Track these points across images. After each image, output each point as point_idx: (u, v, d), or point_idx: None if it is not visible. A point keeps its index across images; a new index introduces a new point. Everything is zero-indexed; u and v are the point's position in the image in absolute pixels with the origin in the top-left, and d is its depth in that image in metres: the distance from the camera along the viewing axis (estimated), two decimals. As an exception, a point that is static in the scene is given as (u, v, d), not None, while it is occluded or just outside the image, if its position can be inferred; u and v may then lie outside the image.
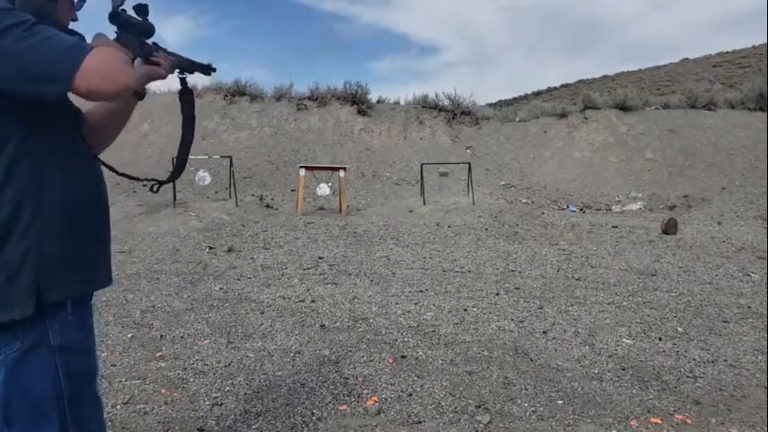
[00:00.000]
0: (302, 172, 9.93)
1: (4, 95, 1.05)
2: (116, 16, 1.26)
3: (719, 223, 9.83)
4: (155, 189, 1.49)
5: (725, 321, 3.93)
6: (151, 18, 1.34)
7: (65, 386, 1.18)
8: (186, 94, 1.45)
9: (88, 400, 1.26)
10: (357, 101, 16.57)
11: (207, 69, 1.56)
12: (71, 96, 1.15)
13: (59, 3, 1.22)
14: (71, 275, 1.19)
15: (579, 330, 3.68)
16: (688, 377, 2.93)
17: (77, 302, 1.23)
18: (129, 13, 1.30)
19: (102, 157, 1.35)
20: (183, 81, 1.50)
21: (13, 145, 1.09)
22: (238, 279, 5.06)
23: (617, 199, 12.76)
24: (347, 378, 2.83)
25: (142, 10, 1.32)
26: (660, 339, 3.52)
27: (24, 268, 1.11)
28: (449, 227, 8.54)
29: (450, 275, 5.31)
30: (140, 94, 1.35)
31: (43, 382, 1.15)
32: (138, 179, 1.53)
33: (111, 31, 1.27)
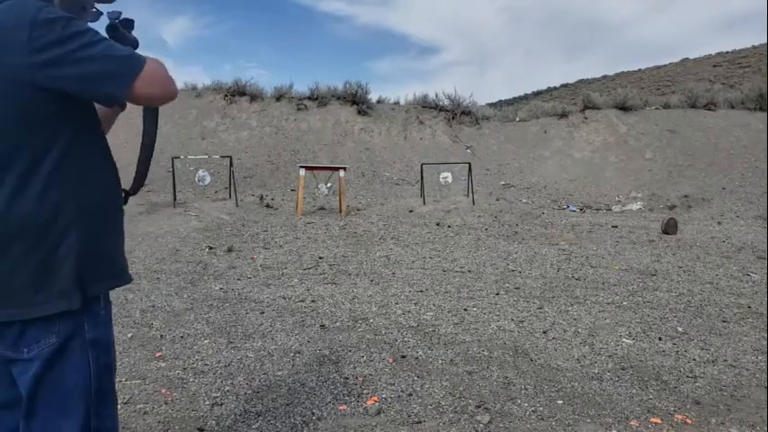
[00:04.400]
0: (302, 172, 9.93)
1: (58, 98, 1.11)
2: (114, 29, 1.31)
3: (719, 223, 9.82)
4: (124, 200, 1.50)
5: (725, 321, 3.93)
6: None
7: (93, 381, 1.21)
8: (153, 110, 1.45)
9: (109, 395, 1.29)
10: (357, 101, 16.57)
11: None
12: None
13: (87, 13, 1.30)
14: (108, 270, 1.25)
15: (579, 330, 3.68)
16: (688, 377, 2.93)
17: (107, 297, 1.29)
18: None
19: None
20: None
21: (60, 146, 1.14)
22: (238, 279, 5.06)
23: (617, 199, 12.76)
24: (347, 378, 2.83)
25: (129, 24, 1.37)
26: (660, 339, 3.52)
27: (69, 264, 1.15)
28: (449, 227, 8.54)
29: (450, 275, 5.31)
30: (124, 105, 1.38)
31: (75, 377, 1.18)
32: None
33: None
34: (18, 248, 1.11)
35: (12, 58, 1.06)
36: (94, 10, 1.34)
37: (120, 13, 1.32)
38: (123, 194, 1.47)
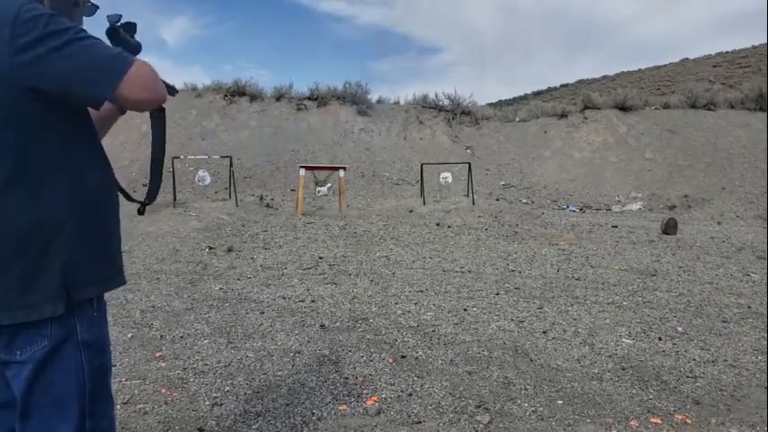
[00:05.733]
0: (302, 172, 9.93)
1: (48, 98, 1.09)
2: (115, 33, 1.28)
3: (719, 223, 9.83)
4: (141, 211, 1.49)
5: (725, 321, 3.93)
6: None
7: (87, 382, 1.20)
8: (158, 111, 1.42)
9: (104, 396, 1.28)
10: (357, 101, 16.57)
11: (172, 90, 1.54)
12: None
13: (81, 8, 1.27)
14: (99, 273, 1.23)
15: (579, 330, 3.68)
16: (688, 377, 2.93)
17: (100, 299, 1.27)
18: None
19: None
20: None
21: (49, 146, 1.12)
22: (238, 279, 5.06)
23: (617, 199, 12.76)
24: (347, 378, 2.83)
25: (131, 28, 1.34)
26: (660, 339, 3.52)
27: (55, 267, 1.13)
28: (449, 227, 8.54)
29: (450, 275, 5.31)
30: (123, 109, 1.36)
31: (68, 378, 1.18)
32: (132, 200, 1.50)
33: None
34: (5, 251, 1.10)
35: None
36: (90, 4, 1.31)
37: (121, 16, 1.28)
38: (140, 205, 1.46)
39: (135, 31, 1.35)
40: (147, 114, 1.34)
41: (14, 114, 1.08)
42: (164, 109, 1.38)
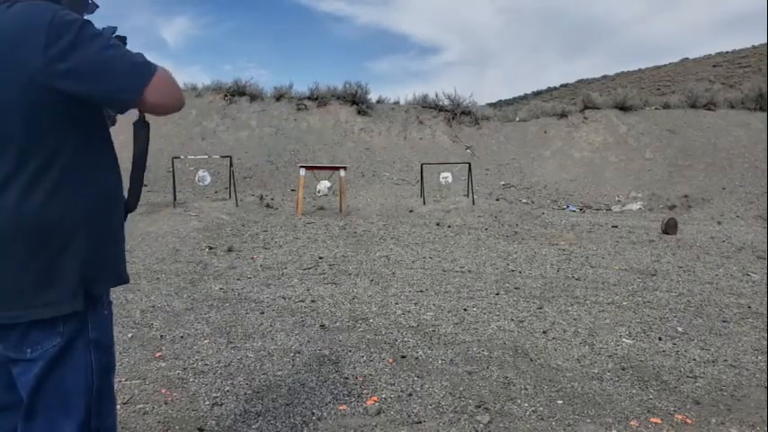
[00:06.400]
0: (302, 172, 9.92)
1: (68, 100, 1.11)
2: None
3: (719, 223, 9.83)
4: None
5: (725, 321, 3.93)
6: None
7: (95, 380, 1.22)
8: (144, 126, 1.40)
9: (109, 394, 1.30)
10: (357, 101, 16.57)
11: None
12: None
13: (88, 6, 1.32)
14: (112, 270, 1.27)
15: (579, 330, 3.68)
16: (688, 377, 2.93)
17: (107, 298, 1.30)
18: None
19: None
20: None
21: (70, 146, 1.15)
22: (238, 279, 5.06)
23: (617, 199, 12.76)
24: (347, 378, 2.84)
25: (121, 41, 1.36)
26: (660, 339, 3.53)
27: (74, 265, 1.15)
28: (449, 227, 8.54)
29: (450, 275, 5.31)
30: (113, 120, 1.38)
31: (77, 376, 1.19)
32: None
33: None
34: (25, 249, 1.11)
35: (26, 60, 1.06)
36: (91, 1, 1.36)
37: (116, 28, 1.34)
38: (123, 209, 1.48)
39: (125, 45, 1.37)
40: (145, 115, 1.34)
41: (41, 115, 1.10)
42: (148, 123, 1.37)
